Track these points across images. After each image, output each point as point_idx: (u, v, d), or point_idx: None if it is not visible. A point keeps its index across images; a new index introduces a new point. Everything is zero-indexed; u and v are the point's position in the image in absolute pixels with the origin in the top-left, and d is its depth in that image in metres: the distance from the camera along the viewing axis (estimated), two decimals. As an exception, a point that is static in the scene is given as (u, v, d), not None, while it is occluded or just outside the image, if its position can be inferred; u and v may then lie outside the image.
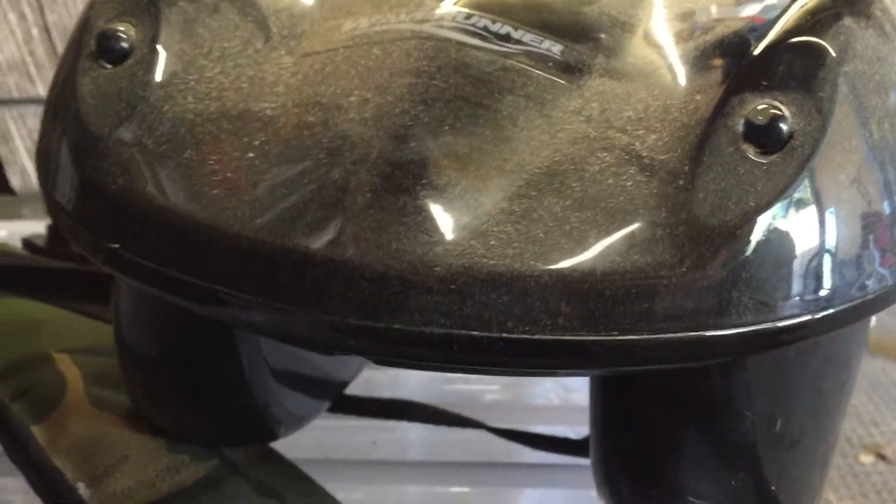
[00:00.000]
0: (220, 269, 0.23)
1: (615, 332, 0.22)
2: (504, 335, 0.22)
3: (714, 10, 0.29)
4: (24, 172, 0.99)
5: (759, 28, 0.27)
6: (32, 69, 1.00)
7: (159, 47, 0.26)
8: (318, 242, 0.22)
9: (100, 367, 0.37)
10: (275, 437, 0.36)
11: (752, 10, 0.29)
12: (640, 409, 0.29)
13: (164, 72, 0.26)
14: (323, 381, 0.39)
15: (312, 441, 0.40)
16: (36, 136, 0.27)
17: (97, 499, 0.31)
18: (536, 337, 0.22)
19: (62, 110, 0.26)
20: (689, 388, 0.28)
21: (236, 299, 0.23)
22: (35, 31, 0.98)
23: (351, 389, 0.41)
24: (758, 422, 0.29)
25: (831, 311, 0.24)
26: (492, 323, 0.22)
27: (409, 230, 0.22)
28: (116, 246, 0.24)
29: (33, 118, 1.01)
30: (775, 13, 0.27)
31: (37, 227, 0.50)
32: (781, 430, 0.29)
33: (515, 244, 0.22)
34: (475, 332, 0.22)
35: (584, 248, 0.22)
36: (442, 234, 0.22)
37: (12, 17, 0.97)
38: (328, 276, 0.22)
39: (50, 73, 1.01)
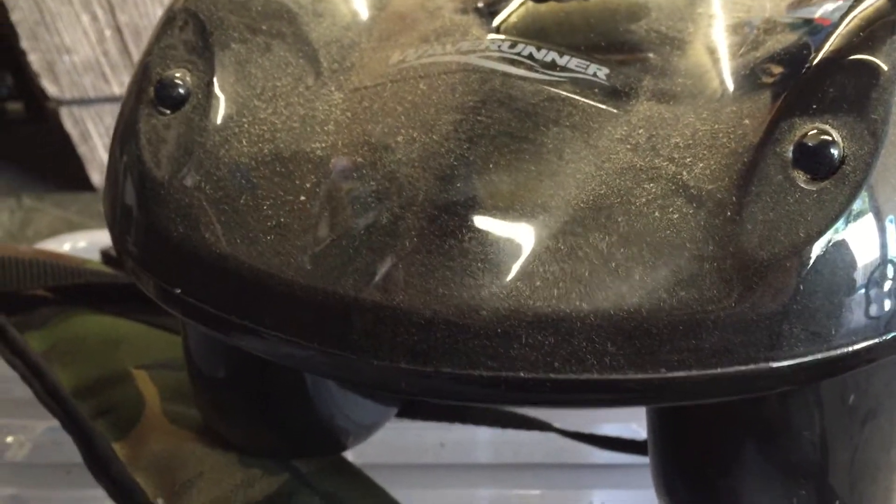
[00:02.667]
0: (275, 314, 0.24)
1: (662, 370, 0.22)
2: (551, 376, 0.22)
3: (768, 18, 0.28)
4: (104, 170, 1.02)
5: (816, 34, 0.26)
6: (107, 69, 1.03)
7: (214, 91, 0.27)
8: (367, 288, 0.23)
9: (176, 382, 0.38)
10: (344, 448, 0.37)
11: (807, 14, 0.28)
12: (697, 426, 0.29)
13: (220, 116, 0.26)
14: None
15: (380, 445, 0.41)
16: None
17: (176, 515, 0.33)
18: (584, 377, 0.22)
19: (125, 156, 0.27)
20: (749, 402, 0.28)
21: (291, 344, 0.23)
22: (108, 32, 1.01)
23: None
24: (827, 419, 0.28)
25: (890, 336, 0.24)
26: (538, 364, 0.22)
27: (455, 274, 0.22)
28: (178, 291, 0.25)
29: (110, 116, 1.04)
30: (836, 15, 0.26)
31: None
32: (854, 409, 0.28)
33: (561, 284, 0.22)
34: (522, 374, 0.22)
35: (630, 286, 0.22)
36: (488, 277, 0.22)
37: (85, 18, 1.00)
38: (377, 322, 0.22)
39: (123, 73, 1.04)
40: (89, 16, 1.01)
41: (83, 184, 1.04)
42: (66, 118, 1.04)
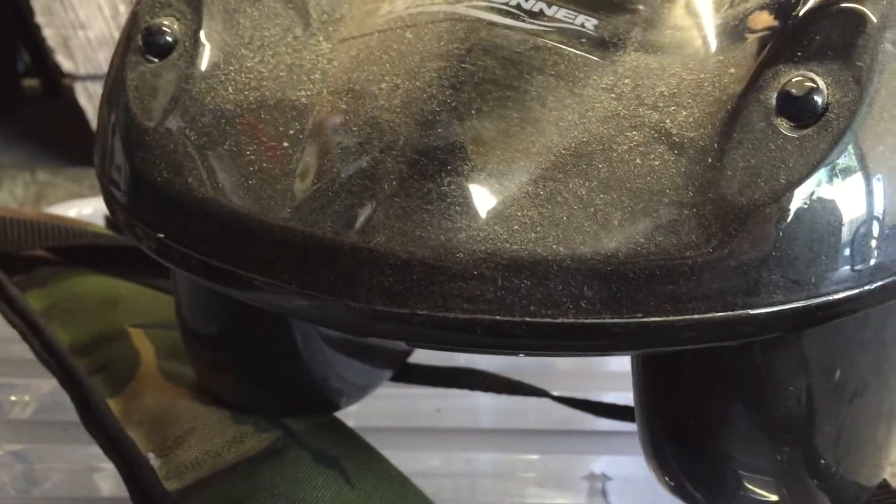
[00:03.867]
0: (256, 257, 0.24)
1: (639, 315, 0.22)
2: (527, 319, 0.22)
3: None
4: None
5: None
6: (121, 45, 1.03)
7: (201, 40, 0.27)
8: (346, 231, 0.23)
9: (171, 341, 0.39)
10: (337, 408, 0.38)
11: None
12: (681, 382, 0.29)
13: (206, 64, 0.26)
14: (383, 350, 0.39)
15: (377, 410, 0.41)
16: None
17: (166, 468, 0.33)
18: (559, 321, 0.22)
19: (113, 104, 0.27)
20: (734, 356, 0.28)
21: (271, 287, 0.24)
22: (122, 8, 1.01)
23: (423, 355, 0.41)
24: (813, 381, 0.28)
25: (874, 285, 0.23)
26: (514, 307, 0.22)
27: (433, 217, 0.22)
28: (162, 236, 0.25)
29: (124, 92, 1.05)
30: None
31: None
32: (841, 384, 0.28)
33: (538, 228, 0.22)
34: (498, 317, 0.22)
35: (608, 231, 0.22)
36: (465, 221, 0.22)
37: (100, -6, 1.01)
38: (355, 263, 0.22)
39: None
40: (104, -9, 1.01)
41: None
42: (81, 94, 1.04)
